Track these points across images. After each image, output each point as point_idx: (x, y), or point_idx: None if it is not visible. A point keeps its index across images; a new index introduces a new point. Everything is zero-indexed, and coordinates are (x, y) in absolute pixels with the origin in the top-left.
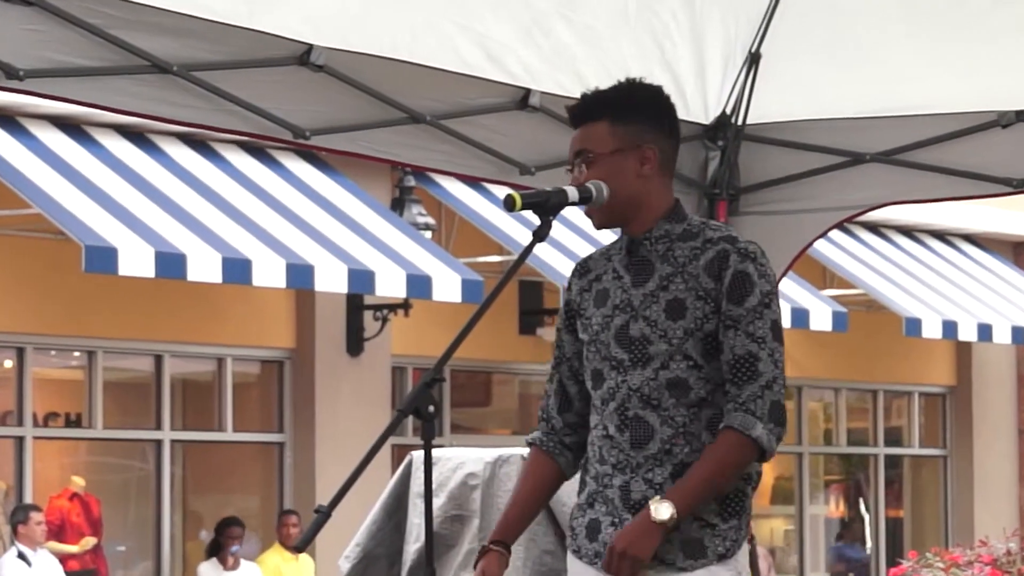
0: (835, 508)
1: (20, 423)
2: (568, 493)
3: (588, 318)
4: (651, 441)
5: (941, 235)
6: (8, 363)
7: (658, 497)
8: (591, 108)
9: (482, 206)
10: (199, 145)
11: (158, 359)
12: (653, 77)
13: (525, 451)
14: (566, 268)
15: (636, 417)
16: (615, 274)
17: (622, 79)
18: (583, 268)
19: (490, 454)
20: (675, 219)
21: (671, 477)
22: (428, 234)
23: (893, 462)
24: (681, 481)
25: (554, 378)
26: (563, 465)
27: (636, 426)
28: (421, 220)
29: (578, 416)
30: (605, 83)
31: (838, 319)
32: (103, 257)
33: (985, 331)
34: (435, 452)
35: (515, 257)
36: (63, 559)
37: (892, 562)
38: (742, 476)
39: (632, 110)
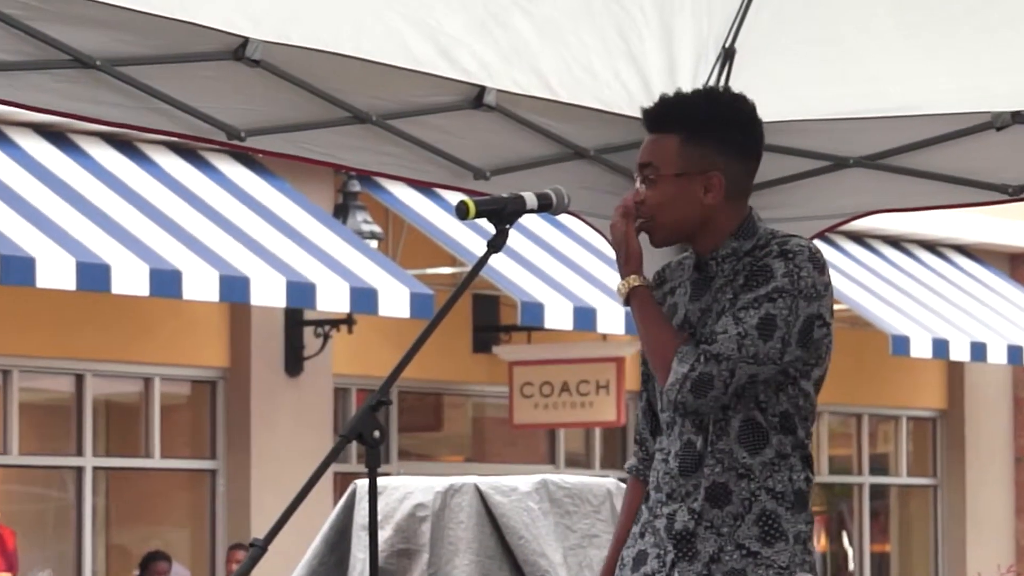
0: (816, 542)
1: None
2: (524, 525)
3: None
4: (698, 469)
5: (931, 246)
6: None
7: (633, 279)
8: (664, 117)
9: (433, 213)
10: (125, 146)
11: (79, 379)
12: (618, 74)
13: (479, 479)
14: (524, 281)
15: (688, 442)
16: (684, 289)
17: (590, 74)
18: (659, 278)
19: (441, 483)
20: (745, 235)
21: (706, 500)
22: (374, 243)
23: (879, 492)
24: (651, 306)
25: (642, 397)
26: None
27: (686, 451)
28: (366, 228)
29: None
30: (566, 80)
31: None
32: (19, 268)
33: (979, 350)
34: (381, 481)
35: (468, 269)
36: None
37: None
38: (775, 494)
39: (706, 128)
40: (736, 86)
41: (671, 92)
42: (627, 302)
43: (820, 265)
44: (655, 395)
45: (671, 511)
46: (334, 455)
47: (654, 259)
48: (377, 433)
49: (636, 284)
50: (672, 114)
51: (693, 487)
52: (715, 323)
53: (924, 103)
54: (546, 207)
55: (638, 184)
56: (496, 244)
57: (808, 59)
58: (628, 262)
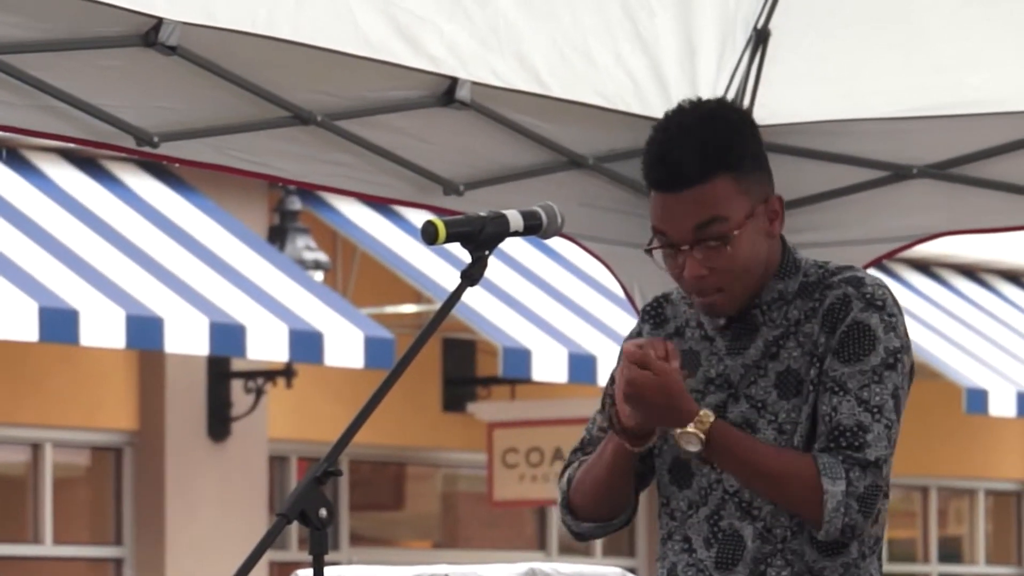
0: None
1: None
2: None
3: None
4: (740, 562)
5: (1015, 277)
6: None
7: (705, 415)
8: (707, 164)
9: (392, 237)
10: (7, 155)
11: None
12: (623, 60)
13: (452, 570)
14: (506, 322)
15: (730, 529)
16: (703, 332)
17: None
18: (658, 313)
19: (405, 574)
20: (787, 273)
21: None
22: (319, 275)
23: None
24: (740, 432)
25: (572, 461)
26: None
27: (727, 541)
28: (309, 256)
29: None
30: (558, 69)
31: None
32: None
33: None
34: (329, 571)
35: (437, 307)
36: None
37: None
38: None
39: (751, 155)
40: (771, 77)
41: (685, 84)
42: (706, 447)
43: (900, 306)
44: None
45: None
46: (271, 539)
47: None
48: (324, 512)
49: (712, 418)
50: (712, 154)
51: None
52: (778, 386)
53: (1009, 98)
54: (534, 229)
55: (696, 255)
56: (472, 275)
57: (861, 43)
58: (684, 409)
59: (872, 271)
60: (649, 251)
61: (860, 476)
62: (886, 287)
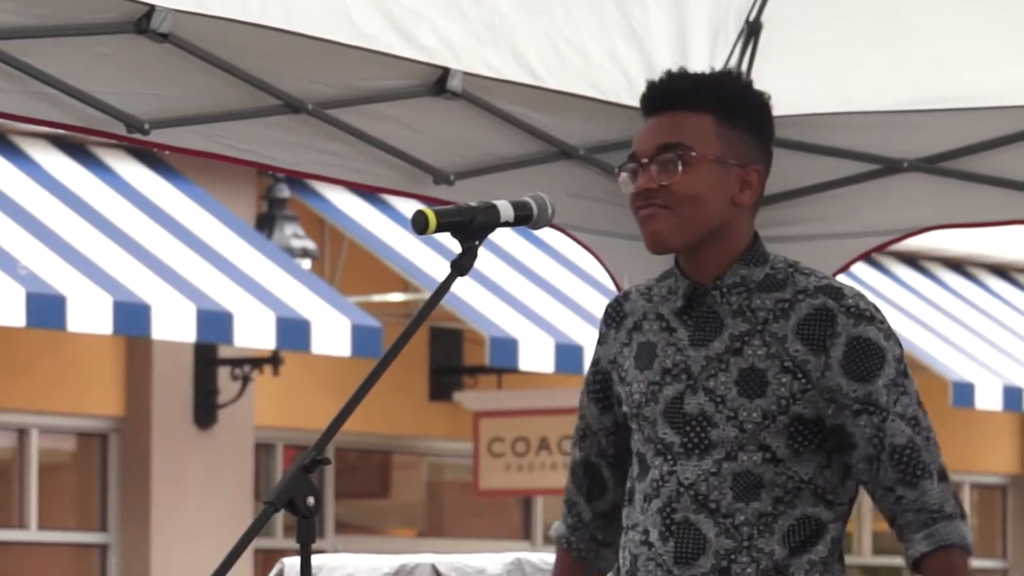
0: None
1: None
2: None
3: (628, 383)
4: (702, 556)
5: (1003, 271)
6: None
7: None
8: (690, 92)
9: (381, 226)
10: None
11: None
12: (615, 54)
13: (437, 559)
14: (493, 311)
15: (685, 522)
16: (663, 324)
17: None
18: (617, 312)
19: (390, 563)
20: (754, 261)
21: None
22: (306, 263)
23: None
24: None
25: (576, 454)
26: (602, 568)
27: (683, 534)
28: (297, 244)
29: (613, 505)
30: (551, 61)
31: None
32: None
33: None
34: (315, 560)
35: (425, 296)
36: None
37: None
38: None
39: (743, 114)
40: (763, 70)
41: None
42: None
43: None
44: (597, 452)
45: None
46: (258, 526)
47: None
48: (311, 500)
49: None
50: (704, 89)
51: None
52: (740, 383)
53: (1001, 92)
54: (524, 219)
55: (650, 172)
56: (462, 265)
57: (854, 36)
58: None
59: (861, 264)
60: (617, 172)
61: (954, 504)
62: (863, 294)
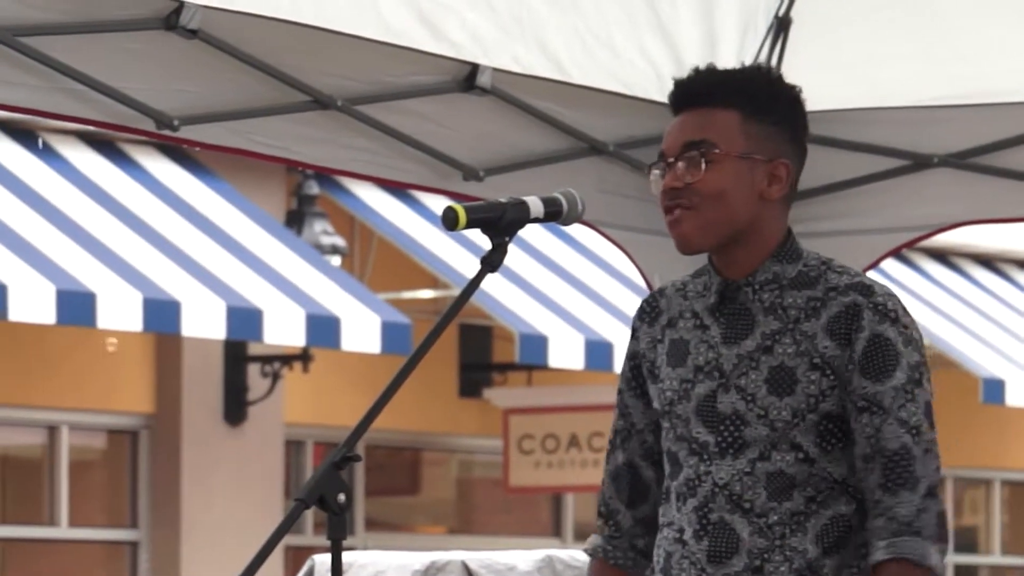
0: None
1: None
2: None
3: (661, 380)
4: (735, 555)
5: None
6: None
7: None
8: (719, 88)
9: (410, 223)
10: (24, 136)
11: None
12: (645, 49)
13: (468, 556)
14: (523, 308)
15: (720, 522)
16: (697, 321)
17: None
18: (652, 309)
19: (420, 560)
20: (787, 257)
21: None
22: (336, 260)
23: (966, 574)
24: None
25: (617, 457)
26: None
27: (718, 534)
28: (326, 241)
29: (653, 511)
30: (580, 57)
31: None
32: None
33: None
34: (345, 557)
35: (453, 292)
36: None
37: None
38: None
39: (771, 108)
40: (792, 65)
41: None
42: None
43: (910, 314)
44: (642, 453)
45: None
46: (289, 523)
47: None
48: (342, 497)
49: None
50: (730, 84)
51: None
52: (770, 382)
53: None
54: (554, 215)
55: (677, 170)
56: (492, 261)
57: (883, 31)
58: None
59: (891, 260)
60: (648, 171)
61: (929, 522)
62: (895, 295)
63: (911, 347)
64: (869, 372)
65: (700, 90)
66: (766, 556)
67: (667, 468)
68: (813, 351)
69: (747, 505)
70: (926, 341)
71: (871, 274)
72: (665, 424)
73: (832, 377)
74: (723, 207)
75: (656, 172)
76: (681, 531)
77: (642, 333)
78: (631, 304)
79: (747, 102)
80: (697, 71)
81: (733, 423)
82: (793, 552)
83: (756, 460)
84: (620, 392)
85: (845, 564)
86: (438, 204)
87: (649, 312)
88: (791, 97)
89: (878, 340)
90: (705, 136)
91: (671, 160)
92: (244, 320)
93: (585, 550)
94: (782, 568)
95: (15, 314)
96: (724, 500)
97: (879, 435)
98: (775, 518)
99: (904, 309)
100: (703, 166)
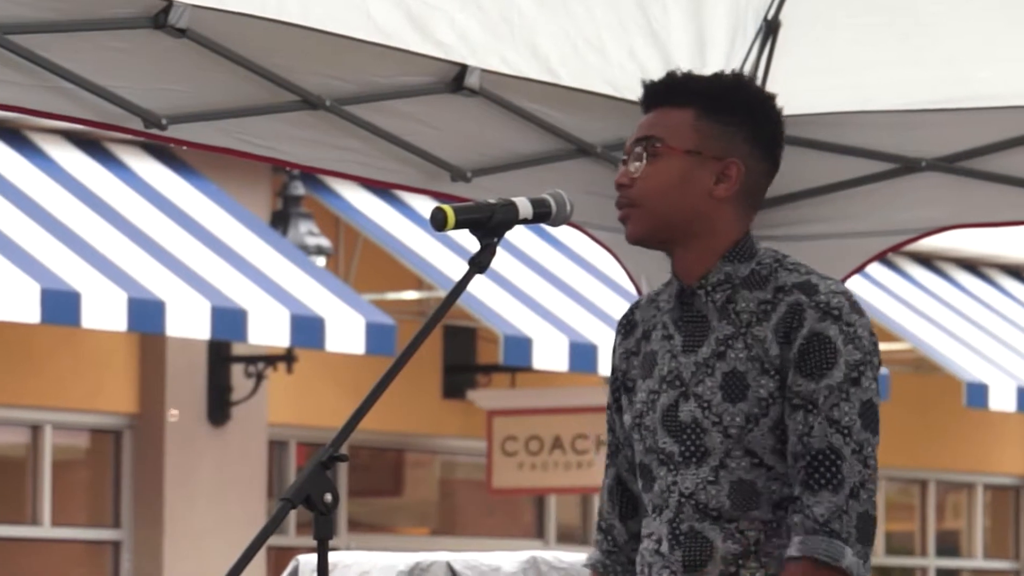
0: None
1: None
2: None
3: (634, 393)
4: (710, 562)
5: (1017, 272)
6: None
7: None
8: (676, 88)
9: (396, 224)
10: (11, 135)
11: None
12: (634, 52)
13: (452, 557)
14: (507, 309)
15: (691, 531)
16: (665, 332)
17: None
18: (628, 322)
19: (404, 560)
20: (739, 257)
21: None
22: (321, 260)
23: None
24: None
25: (610, 472)
26: None
27: (690, 543)
28: (312, 242)
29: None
30: (570, 60)
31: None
32: None
33: None
34: (330, 557)
35: (438, 293)
36: None
37: None
38: None
39: (728, 108)
40: (781, 68)
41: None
42: None
43: (862, 311)
44: (627, 467)
45: None
46: (276, 523)
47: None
48: (329, 497)
49: None
50: (686, 85)
51: None
52: (724, 388)
53: (1019, 92)
54: (543, 216)
55: (627, 166)
56: (480, 262)
57: (872, 35)
58: None
59: (875, 265)
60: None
61: (848, 523)
62: (844, 292)
63: (852, 345)
64: (805, 370)
65: (660, 90)
66: (741, 562)
67: (640, 482)
68: (763, 355)
69: (714, 514)
70: (911, 345)
71: (856, 279)
72: (636, 436)
73: (779, 379)
74: (664, 202)
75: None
76: (659, 541)
77: (618, 347)
78: (616, 306)
79: (703, 100)
80: (668, 74)
81: (694, 431)
82: (768, 558)
83: (718, 468)
84: (608, 407)
85: None
86: (423, 205)
87: (625, 325)
88: (756, 100)
89: (817, 338)
90: (654, 132)
91: (624, 158)
92: (228, 320)
93: (585, 564)
94: (757, 574)
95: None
96: (692, 509)
97: (810, 434)
98: (746, 524)
99: (852, 306)
100: (644, 160)
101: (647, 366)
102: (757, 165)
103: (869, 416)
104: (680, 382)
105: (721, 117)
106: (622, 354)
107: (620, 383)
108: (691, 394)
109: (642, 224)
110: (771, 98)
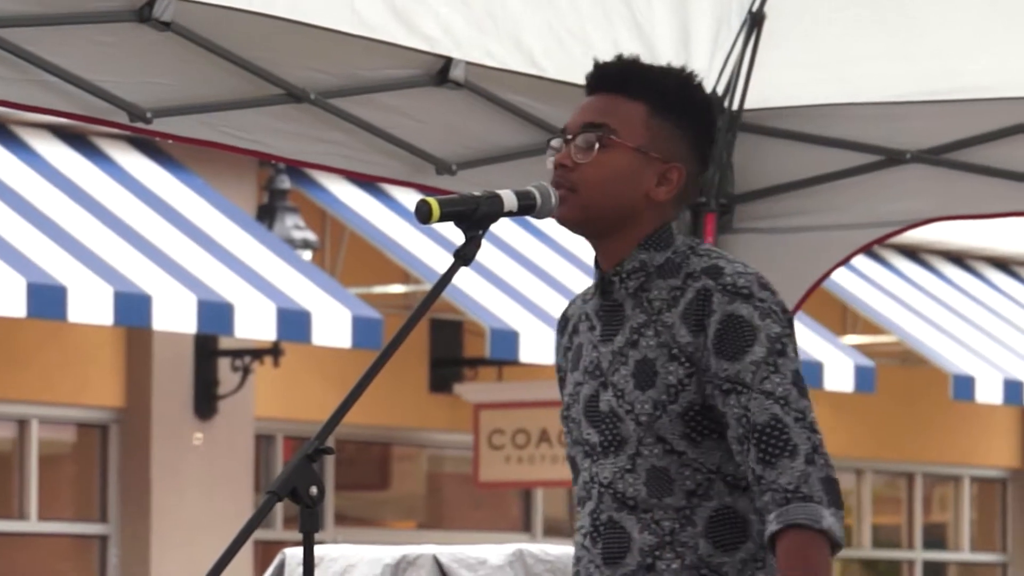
0: None
1: None
2: None
3: (565, 387)
4: (628, 554)
5: (1003, 264)
6: None
7: None
8: (630, 77)
9: (381, 217)
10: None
11: None
12: (619, 44)
13: (439, 550)
14: (494, 303)
15: (610, 522)
16: (589, 324)
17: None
18: (564, 319)
19: (391, 554)
20: (656, 245)
21: None
22: (307, 254)
23: (935, 570)
24: None
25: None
26: None
27: (609, 534)
28: (298, 235)
29: None
30: (555, 53)
31: (863, 376)
32: None
33: None
34: (317, 550)
35: (424, 287)
36: None
37: None
38: None
39: (678, 110)
40: (766, 61)
41: (671, 64)
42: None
43: (774, 289)
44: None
45: None
46: (261, 516)
47: None
48: (315, 489)
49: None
50: (645, 76)
51: None
52: (635, 376)
53: (1004, 84)
54: (528, 208)
55: (569, 149)
56: (466, 255)
57: (857, 27)
58: None
59: (860, 257)
60: (548, 144)
61: (816, 486)
62: (751, 273)
63: (770, 319)
64: (725, 353)
65: (614, 75)
66: (657, 553)
67: (572, 474)
68: (671, 341)
69: (631, 503)
70: (897, 338)
71: (842, 271)
72: (565, 430)
73: (689, 366)
74: (603, 195)
75: (554, 146)
76: (586, 535)
77: (559, 345)
78: None
79: (657, 97)
80: (619, 58)
81: (611, 421)
82: (684, 548)
83: (635, 456)
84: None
85: (750, 558)
86: (409, 199)
87: (561, 322)
88: (704, 103)
89: (730, 320)
90: (606, 121)
91: (569, 137)
92: (215, 314)
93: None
94: (674, 565)
95: None
96: (610, 499)
97: (748, 413)
98: (660, 514)
99: (761, 283)
100: (595, 150)
101: (575, 359)
102: (694, 169)
103: (800, 384)
104: (599, 372)
105: (670, 117)
106: (562, 351)
107: (559, 380)
108: (608, 383)
109: (576, 211)
110: (714, 101)
